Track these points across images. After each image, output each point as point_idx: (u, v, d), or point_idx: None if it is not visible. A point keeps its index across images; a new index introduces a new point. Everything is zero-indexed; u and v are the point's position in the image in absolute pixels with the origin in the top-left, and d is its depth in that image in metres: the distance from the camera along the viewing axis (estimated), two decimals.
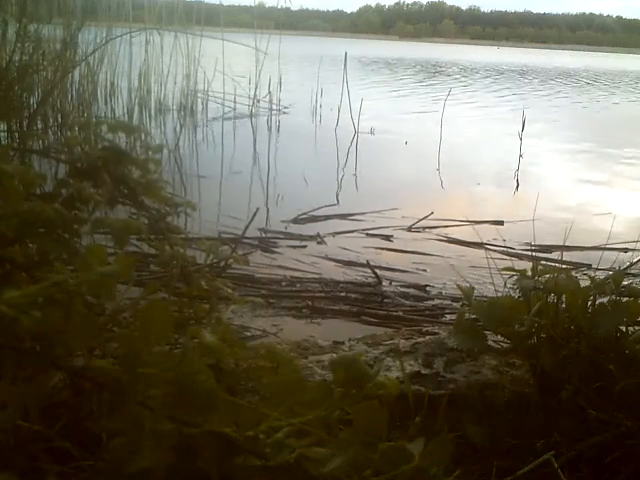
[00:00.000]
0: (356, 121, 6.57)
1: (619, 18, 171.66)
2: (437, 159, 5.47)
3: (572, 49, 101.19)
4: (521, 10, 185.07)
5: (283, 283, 2.51)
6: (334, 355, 1.49)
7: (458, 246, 3.14)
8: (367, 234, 3.26)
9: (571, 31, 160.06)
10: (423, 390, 1.35)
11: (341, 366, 0.77)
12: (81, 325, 0.72)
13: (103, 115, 6.53)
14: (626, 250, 3.07)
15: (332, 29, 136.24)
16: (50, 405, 0.90)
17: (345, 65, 7.19)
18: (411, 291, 2.52)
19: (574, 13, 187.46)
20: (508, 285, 1.64)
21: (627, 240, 3.10)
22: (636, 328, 1.44)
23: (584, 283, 1.49)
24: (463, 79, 16.85)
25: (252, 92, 7.45)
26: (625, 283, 1.48)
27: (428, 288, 2.56)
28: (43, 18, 5.46)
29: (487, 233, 3.27)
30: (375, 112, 7.86)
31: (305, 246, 3.01)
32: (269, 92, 7.66)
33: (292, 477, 0.69)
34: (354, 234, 3.25)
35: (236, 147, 5.82)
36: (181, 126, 6.64)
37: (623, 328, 1.42)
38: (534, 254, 2.94)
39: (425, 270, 2.78)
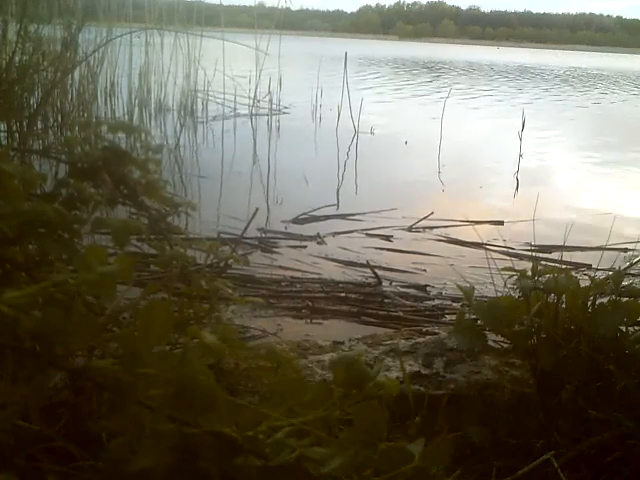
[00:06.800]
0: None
1: (619, 18, 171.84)
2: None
3: (572, 49, 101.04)
4: (521, 10, 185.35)
5: (283, 283, 2.51)
6: (334, 355, 1.49)
7: (458, 246, 3.14)
8: (367, 234, 3.26)
9: (571, 31, 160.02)
10: (423, 390, 1.35)
11: (341, 366, 0.77)
12: (81, 325, 0.72)
13: (103, 115, 6.53)
14: (626, 250, 3.07)
15: (332, 29, 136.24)
16: (50, 405, 0.90)
17: (345, 65, 7.19)
18: (411, 291, 2.52)
19: (574, 13, 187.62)
20: (508, 285, 1.64)
21: (627, 240, 3.10)
22: (636, 328, 1.44)
23: (584, 283, 1.49)
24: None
25: (252, 92, 7.44)
26: (625, 283, 1.48)
27: (428, 288, 2.56)
28: (43, 18, 5.46)
29: (487, 233, 3.27)
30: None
31: (305, 246, 3.01)
32: (269, 92, 7.65)
33: (292, 477, 0.69)
34: (354, 234, 3.25)
35: (236, 147, 5.82)
36: (181, 126, 6.63)
37: (623, 328, 1.42)
38: (534, 254, 2.94)
39: (425, 270, 2.78)
